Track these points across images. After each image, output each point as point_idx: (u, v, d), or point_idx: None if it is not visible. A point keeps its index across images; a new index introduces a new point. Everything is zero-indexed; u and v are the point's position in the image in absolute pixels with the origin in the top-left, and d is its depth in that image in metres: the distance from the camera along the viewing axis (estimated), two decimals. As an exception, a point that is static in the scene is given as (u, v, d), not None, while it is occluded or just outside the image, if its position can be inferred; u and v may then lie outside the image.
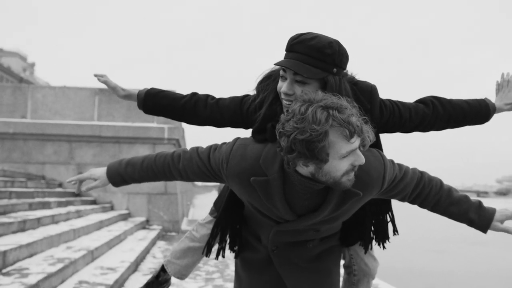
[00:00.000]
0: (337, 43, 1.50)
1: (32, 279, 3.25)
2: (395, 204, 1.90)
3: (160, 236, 8.76)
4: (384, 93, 1.78)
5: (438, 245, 13.82)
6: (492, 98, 1.95)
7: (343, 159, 1.31)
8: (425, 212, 1.72)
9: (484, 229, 1.61)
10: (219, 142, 1.65)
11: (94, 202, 9.22)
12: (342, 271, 2.13)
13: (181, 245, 2.31)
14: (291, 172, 1.41)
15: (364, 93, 1.64)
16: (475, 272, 9.41)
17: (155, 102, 1.85)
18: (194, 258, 2.28)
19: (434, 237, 15.93)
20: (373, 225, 1.94)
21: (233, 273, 2.01)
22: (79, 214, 7.08)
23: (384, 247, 1.96)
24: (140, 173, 1.70)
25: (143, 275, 5.06)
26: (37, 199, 6.69)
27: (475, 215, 1.60)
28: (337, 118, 1.26)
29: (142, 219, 9.16)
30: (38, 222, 5.26)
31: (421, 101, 1.80)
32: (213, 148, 1.61)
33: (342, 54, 1.50)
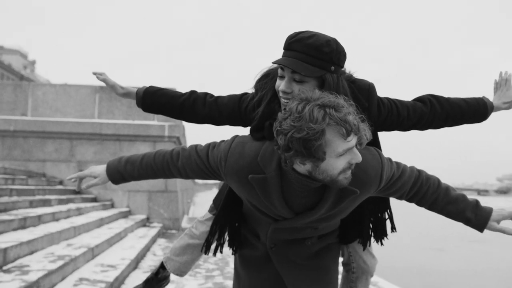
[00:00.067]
0: (335, 41, 1.50)
1: (33, 276, 3.26)
2: (394, 202, 1.91)
3: (161, 234, 8.77)
4: (384, 93, 1.78)
5: (436, 243, 13.82)
6: (491, 97, 1.96)
7: (340, 158, 1.32)
8: (423, 210, 1.73)
9: (480, 228, 1.61)
10: (218, 140, 1.66)
11: (94, 199, 9.24)
12: (340, 268, 2.14)
13: (181, 242, 2.31)
14: (288, 170, 1.42)
15: (362, 91, 1.64)
16: (474, 270, 9.42)
17: (154, 100, 1.86)
18: (193, 255, 2.29)
19: (433, 236, 15.94)
20: (372, 223, 1.95)
21: (233, 271, 2.02)
22: (79, 212, 7.09)
23: (382, 244, 1.97)
24: (139, 171, 1.71)
25: (143, 273, 5.08)
26: (37, 197, 6.70)
27: (472, 214, 1.60)
28: (334, 116, 1.26)
29: (143, 216, 9.17)
30: (39, 220, 5.28)
31: (419, 100, 1.80)
32: (212, 146, 1.62)
33: (339, 52, 1.51)
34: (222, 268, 5.49)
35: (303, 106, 1.29)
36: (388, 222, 1.97)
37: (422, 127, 1.80)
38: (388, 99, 1.75)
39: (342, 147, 1.30)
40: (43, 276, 3.34)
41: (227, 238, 1.93)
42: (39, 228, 5.00)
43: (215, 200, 2.16)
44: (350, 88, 1.60)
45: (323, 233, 1.79)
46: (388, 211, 1.95)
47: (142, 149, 9.47)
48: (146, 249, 6.46)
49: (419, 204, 1.66)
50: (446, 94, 1.86)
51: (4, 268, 3.49)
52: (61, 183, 9.22)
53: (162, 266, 2.34)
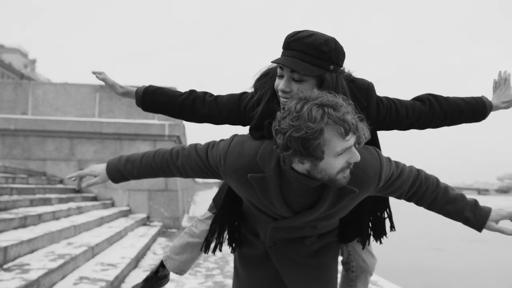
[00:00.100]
0: (334, 40, 1.51)
1: (33, 275, 3.27)
2: (393, 201, 1.92)
3: (161, 233, 8.79)
4: (383, 93, 1.79)
5: (436, 243, 13.83)
6: (490, 96, 1.96)
7: (338, 157, 1.32)
8: (423, 210, 1.73)
9: (479, 228, 1.61)
10: (218, 139, 1.66)
11: (95, 198, 9.25)
12: (340, 267, 2.14)
13: (180, 241, 2.32)
14: (287, 169, 1.42)
15: (361, 90, 1.65)
16: (473, 270, 9.43)
17: (153, 99, 1.86)
18: (193, 254, 2.29)
19: (432, 235, 15.93)
20: (371, 222, 1.95)
21: (233, 270, 2.03)
22: (80, 211, 7.10)
23: (381, 242, 1.98)
24: (139, 170, 1.71)
25: (144, 271, 5.09)
26: (38, 196, 6.71)
27: (471, 214, 1.60)
28: (332, 116, 1.27)
29: (143, 215, 9.18)
30: (39, 218, 5.29)
31: (418, 99, 1.81)
32: (211, 145, 1.63)
33: (338, 51, 1.51)
34: (222, 267, 5.50)
35: (301, 106, 1.29)
36: (387, 221, 1.97)
37: (421, 126, 1.81)
38: (387, 98, 1.75)
39: (340, 146, 1.30)
40: (43, 274, 3.35)
41: (227, 237, 1.93)
42: (40, 226, 5.01)
43: (215, 199, 2.17)
44: (349, 87, 1.60)
45: (323, 232, 1.79)
46: (388, 210, 1.95)
47: (143, 148, 9.49)
48: (146, 248, 6.47)
49: (418, 203, 1.66)
50: (446, 94, 1.86)
51: (5, 266, 3.50)
52: (61, 182, 9.24)
53: (162, 265, 2.35)
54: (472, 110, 1.83)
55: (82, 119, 9.51)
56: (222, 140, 1.62)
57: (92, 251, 4.88)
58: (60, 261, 3.82)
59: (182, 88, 2.01)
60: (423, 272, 8.87)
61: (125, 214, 8.97)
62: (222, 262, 5.79)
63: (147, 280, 2.33)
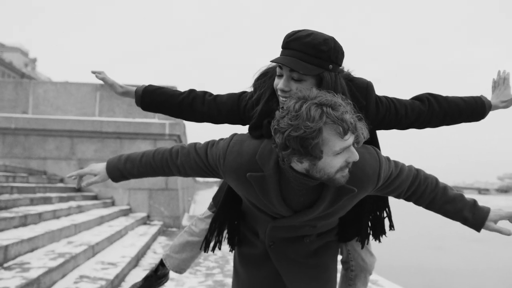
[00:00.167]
0: (333, 39, 1.51)
1: (33, 274, 3.27)
2: (393, 200, 1.92)
3: (161, 232, 8.79)
4: (384, 92, 1.79)
5: (436, 242, 13.83)
6: (489, 95, 1.97)
7: (337, 156, 1.33)
8: (422, 209, 1.74)
9: (477, 228, 1.62)
10: (217, 138, 1.67)
11: (95, 197, 9.25)
12: (339, 266, 2.15)
13: (180, 240, 2.32)
14: (286, 168, 1.43)
15: (360, 90, 1.65)
16: (473, 269, 9.43)
17: (153, 99, 1.86)
18: (192, 253, 2.30)
19: (432, 234, 15.93)
20: (370, 221, 1.96)
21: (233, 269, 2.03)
22: (80, 209, 7.11)
23: (379, 241, 1.98)
24: (138, 169, 1.72)
25: (144, 270, 5.09)
26: (38, 194, 6.72)
27: (470, 214, 1.61)
28: (331, 115, 1.27)
29: (143, 214, 9.19)
30: (40, 217, 5.29)
31: (417, 98, 1.81)
32: (211, 144, 1.63)
33: (337, 50, 1.51)
34: (223, 266, 5.51)
35: (300, 105, 1.29)
36: (386, 221, 1.98)
37: (420, 125, 1.81)
38: (386, 97, 1.75)
39: (339, 146, 1.30)
40: (43, 273, 3.35)
41: (226, 236, 1.94)
42: (40, 225, 5.01)
43: (215, 198, 2.17)
44: (348, 87, 1.60)
45: (322, 231, 1.79)
46: (387, 209, 1.96)
47: (143, 147, 9.49)
48: (147, 247, 6.47)
49: (416, 203, 1.67)
50: (445, 94, 1.86)
51: (5, 265, 3.50)
52: (61, 180, 9.24)
53: (161, 263, 2.35)
54: (471, 109, 1.83)
55: (83, 118, 9.52)
56: (222, 139, 1.63)
57: (93, 250, 4.89)
58: (61, 260, 3.83)
59: (182, 88, 2.01)
60: (423, 271, 8.88)
61: (126, 213, 8.98)
62: (222, 261, 5.80)
63: (146, 278, 2.34)
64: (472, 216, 1.61)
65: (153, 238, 7.42)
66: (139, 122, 9.58)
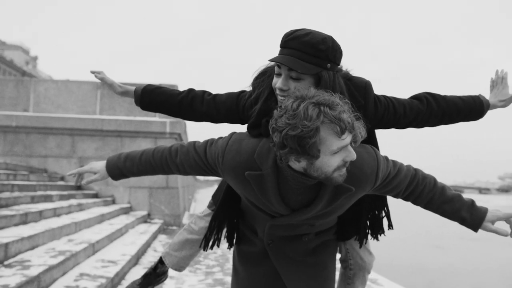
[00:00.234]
0: (331, 38, 1.51)
1: (34, 271, 3.29)
2: (392, 200, 1.93)
3: (161, 230, 8.81)
4: (383, 92, 1.79)
5: (435, 241, 13.84)
6: (487, 95, 1.97)
7: (334, 155, 1.33)
8: (421, 208, 1.74)
9: (475, 228, 1.62)
10: (217, 137, 1.67)
11: (96, 195, 9.27)
12: (338, 265, 2.16)
13: (179, 237, 2.33)
14: (284, 167, 1.43)
15: (358, 89, 1.65)
16: (472, 268, 9.44)
17: (152, 98, 1.87)
18: (192, 251, 2.30)
19: (432, 234, 15.94)
20: (369, 220, 1.96)
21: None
22: (80, 208, 7.12)
23: (377, 239, 1.99)
24: (138, 167, 1.72)
25: (144, 269, 5.10)
26: (39, 192, 6.73)
27: (467, 214, 1.61)
28: (328, 114, 1.27)
29: (144, 213, 9.21)
30: (40, 215, 5.31)
31: (415, 97, 1.81)
32: (210, 142, 1.64)
33: (335, 49, 1.52)
34: (222, 264, 5.52)
35: (298, 104, 1.30)
36: (385, 220, 1.98)
37: (418, 124, 1.81)
38: (384, 96, 1.76)
39: (336, 145, 1.31)
40: (44, 271, 3.36)
41: (226, 234, 1.95)
42: (40, 223, 5.02)
43: (214, 196, 2.18)
44: (346, 86, 1.61)
45: (320, 230, 1.80)
46: (385, 209, 1.96)
47: (144, 145, 9.50)
48: (147, 245, 6.48)
49: (415, 202, 1.67)
50: (445, 93, 1.87)
51: (5, 263, 3.52)
52: (62, 179, 9.26)
53: (160, 261, 2.36)
54: (469, 108, 1.83)
55: (83, 116, 9.53)
56: (221, 137, 1.63)
57: (93, 248, 4.90)
58: (61, 258, 3.84)
59: (182, 87, 2.02)
60: (423, 270, 8.89)
61: (126, 211, 9.00)
62: (222, 259, 5.81)
63: (145, 276, 2.34)
64: (470, 216, 1.61)
65: (154, 237, 7.43)
66: (140, 121, 9.59)
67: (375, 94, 1.72)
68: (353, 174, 1.45)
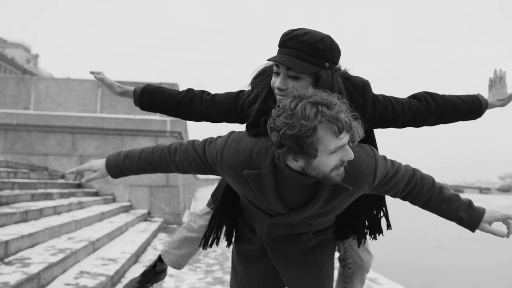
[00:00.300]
0: (329, 38, 1.52)
1: (34, 269, 3.30)
2: (391, 200, 1.93)
3: (161, 228, 8.82)
4: (383, 92, 1.79)
5: (434, 241, 13.83)
6: (486, 94, 1.98)
7: (332, 155, 1.34)
8: (419, 208, 1.75)
9: (472, 228, 1.62)
10: (216, 136, 1.68)
11: (96, 193, 9.28)
12: (337, 264, 2.16)
13: (179, 235, 2.34)
14: (282, 166, 1.44)
15: (356, 88, 1.66)
16: (472, 268, 9.44)
17: (151, 98, 1.88)
18: (191, 249, 2.31)
19: (431, 233, 15.92)
20: (367, 220, 1.97)
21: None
22: (81, 206, 7.13)
23: (376, 239, 1.99)
24: (137, 165, 1.73)
25: (144, 267, 5.11)
26: (39, 190, 6.74)
27: (465, 214, 1.61)
28: (326, 114, 1.28)
29: (144, 211, 9.22)
30: (40, 213, 5.32)
31: (414, 97, 1.82)
32: (208, 141, 1.64)
33: (334, 49, 1.52)
34: (222, 263, 5.53)
35: (295, 104, 1.30)
36: (383, 220, 1.99)
37: (416, 124, 1.82)
38: (383, 96, 1.76)
39: (334, 145, 1.31)
40: (44, 268, 3.37)
41: (225, 233, 1.95)
42: (41, 221, 5.03)
43: (213, 195, 2.19)
44: (345, 85, 1.61)
45: (319, 229, 1.80)
46: (384, 208, 1.97)
47: (144, 143, 9.50)
48: (147, 243, 6.50)
49: (413, 202, 1.67)
50: (444, 93, 1.87)
51: (6, 260, 3.53)
52: (63, 177, 9.27)
53: (159, 259, 2.37)
54: (468, 108, 1.83)
55: (84, 115, 9.54)
56: (220, 136, 1.64)
57: (93, 246, 4.91)
58: (61, 256, 3.85)
59: (182, 87, 2.02)
60: (422, 269, 8.89)
61: (126, 209, 9.01)
62: (222, 258, 5.82)
63: (144, 274, 2.35)
64: (468, 216, 1.61)
65: (154, 235, 7.44)
66: (141, 119, 9.60)
67: (374, 94, 1.72)
68: (351, 173, 1.46)
